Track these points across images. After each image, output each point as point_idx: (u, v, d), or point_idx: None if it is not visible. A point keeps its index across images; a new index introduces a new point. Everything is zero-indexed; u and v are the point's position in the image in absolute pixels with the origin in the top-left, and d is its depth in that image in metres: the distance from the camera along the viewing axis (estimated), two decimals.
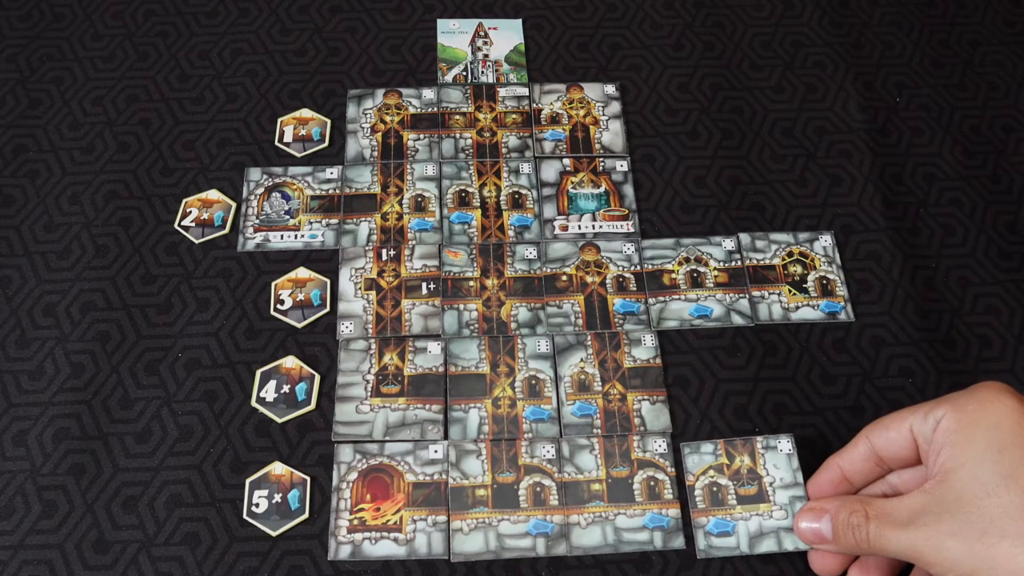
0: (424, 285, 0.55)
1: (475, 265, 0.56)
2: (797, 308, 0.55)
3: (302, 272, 0.56)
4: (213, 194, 0.58)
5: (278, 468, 0.50)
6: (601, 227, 0.58)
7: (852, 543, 0.42)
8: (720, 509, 0.48)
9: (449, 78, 0.63)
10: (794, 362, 0.54)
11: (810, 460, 0.49)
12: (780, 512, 0.48)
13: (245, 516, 0.48)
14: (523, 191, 0.59)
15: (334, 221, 0.57)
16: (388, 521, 0.48)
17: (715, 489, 0.49)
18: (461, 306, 0.55)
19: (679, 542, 0.48)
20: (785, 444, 0.50)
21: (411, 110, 0.62)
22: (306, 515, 0.48)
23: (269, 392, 0.52)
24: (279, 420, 0.51)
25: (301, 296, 0.55)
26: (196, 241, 0.57)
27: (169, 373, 0.52)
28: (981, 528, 0.37)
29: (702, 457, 0.50)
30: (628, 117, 0.62)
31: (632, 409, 0.52)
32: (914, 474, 0.44)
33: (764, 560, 0.48)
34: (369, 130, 0.61)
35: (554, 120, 0.62)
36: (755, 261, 0.57)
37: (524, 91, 0.63)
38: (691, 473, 0.49)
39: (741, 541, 0.47)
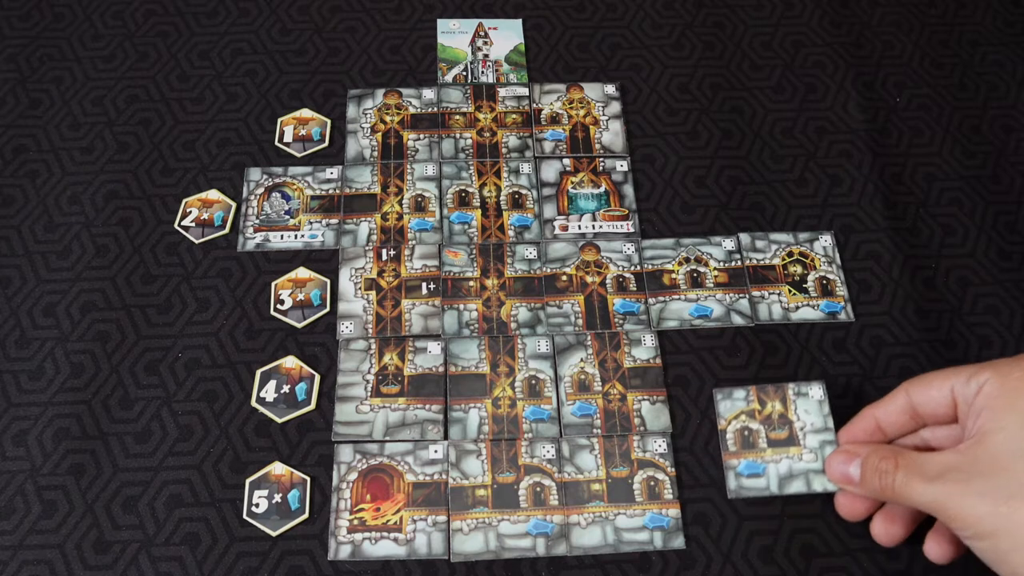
0: (424, 285, 0.55)
1: (475, 265, 0.56)
2: (797, 308, 0.55)
3: (302, 272, 0.56)
4: (213, 194, 0.58)
5: (278, 468, 0.50)
6: (601, 227, 0.58)
7: (878, 488, 0.43)
8: (751, 452, 0.49)
9: (449, 78, 0.63)
10: (794, 362, 0.54)
11: (843, 411, 0.49)
12: (810, 455, 0.48)
13: (245, 516, 0.48)
14: (523, 191, 0.59)
15: (334, 221, 0.57)
16: (388, 521, 0.48)
17: (746, 433, 0.50)
18: (461, 306, 0.55)
19: (679, 542, 0.48)
20: (816, 391, 0.50)
21: (411, 110, 0.62)
22: (306, 515, 0.48)
23: (269, 392, 0.52)
24: (279, 420, 0.51)
25: (301, 296, 0.55)
26: (196, 241, 0.57)
27: (169, 373, 0.52)
28: (1010, 492, 0.38)
29: (734, 403, 0.51)
30: (628, 117, 0.62)
31: (632, 409, 0.52)
32: (948, 432, 0.45)
33: (764, 560, 0.48)
34: (369, 130, 0.61)
35: (554, 120, 0.62)
36: (755, 261, 0.57)
37: (524, 91, 0.63)
38: (723, 418, 0.50)
39: (771, 482, 0.48)
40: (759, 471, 0.49)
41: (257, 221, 0.57)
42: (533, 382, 0.52)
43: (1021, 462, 0.38)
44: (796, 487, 0.48)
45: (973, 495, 0.39)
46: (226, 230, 0.57)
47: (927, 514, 0.44)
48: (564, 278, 0.56)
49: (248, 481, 0.49)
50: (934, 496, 0.40)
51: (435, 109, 0.62)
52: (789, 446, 0.49)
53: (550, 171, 0.60)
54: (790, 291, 0.56)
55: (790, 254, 0.57)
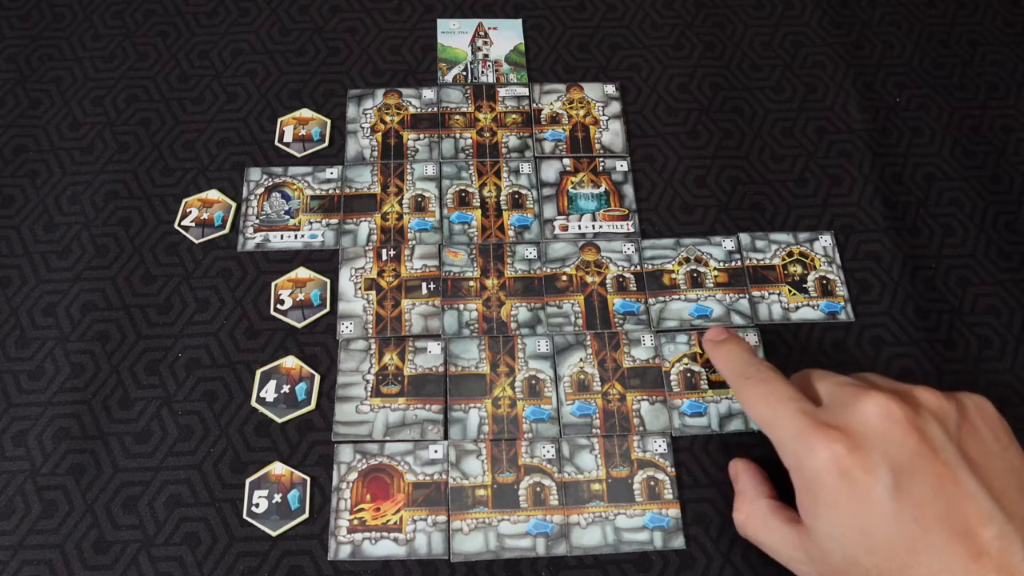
0: (424, 285, 0.55)
1: (475, 265, 0.56)
2: (797, 308, 0.55)
3: (302, 272, 0.56)
4: (213, 194, 0.58)
5: (278, 468, 0.50)
6: (601, 227, 0.58)
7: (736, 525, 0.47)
8: (693, 393, 0.52)
9: (449, 78, 0.63)
10: (794, 362, 0.54)
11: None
12: None
13: (245, 516, 0.48)
14: (523, 191, 0.59)
15: (334, 221, 0.57)
16: (388, 521, 0.48)
17: (689, 375, 0.52)
18: (461, 306, 0.55)
19: (679, 542, 0.48)
20: (752, 337, 0.53)
21: (411, 110, 0.62)
22: (306, 515, 0.48)
23: (269, 392, 0.52)
24: (279, 420, 0.51)
25: (301, 296, 0.55)
26: (196, 241, 0.57)
27: (169, 373, 0.52)
28: None
29: (677, 347, 0.53)
30: (628, 117, 0.62)
31: (631, 409, 0.52)
32: None
33: (764, 561, 0.48)
34: (369, 130, 0.61)
35: (554, 120, 0.62)
36: (755, 261, 0.57)
37: (524, 91, 0.63)
38: (667, 361, 0.53)
39: (712, 421, 0.51)
40: (701, 410, 0.51)
41: (257, 221, 0.57)
42: (533, 382, 0.52)
43: (847, 564, 0.39)
44: (735, 426, 0.51)
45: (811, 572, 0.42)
46: (226, 230, 0.57)
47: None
48: (564, 278, 0.56)
49: (248, 481, 0.49)
50: (782, 561, 0.44)
51: (435, 109, 0.62)
52: (728, 387, 0.51)
53: (550, 171, 0.60)
54: (790, 291, 0.56)
55: (790, 254, 0.57)
